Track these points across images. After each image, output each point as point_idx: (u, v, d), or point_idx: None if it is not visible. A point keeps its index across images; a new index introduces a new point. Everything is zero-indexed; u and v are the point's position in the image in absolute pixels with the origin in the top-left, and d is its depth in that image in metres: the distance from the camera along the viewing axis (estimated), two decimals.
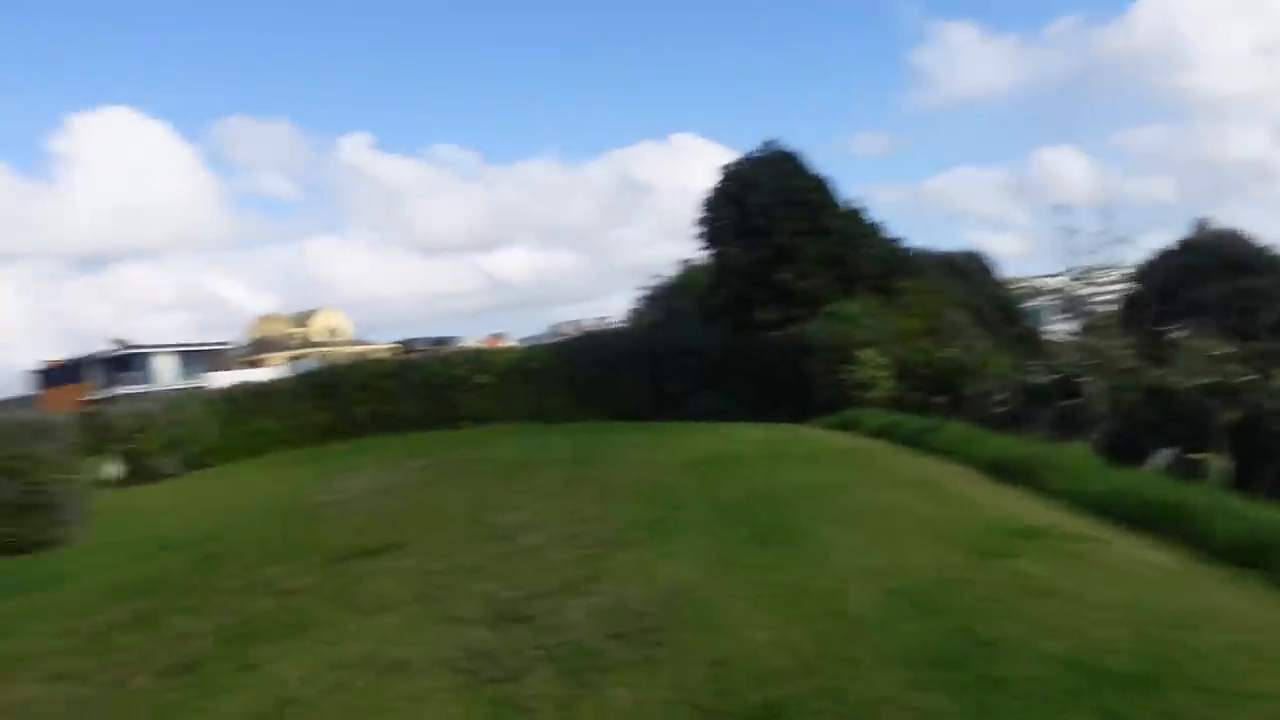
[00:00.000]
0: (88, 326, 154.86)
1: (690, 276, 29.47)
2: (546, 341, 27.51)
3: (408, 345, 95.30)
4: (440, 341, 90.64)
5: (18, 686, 6.58)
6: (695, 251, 25.18)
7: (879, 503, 9.63)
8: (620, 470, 12.94)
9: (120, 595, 9.01)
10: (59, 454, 12.54)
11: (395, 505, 12.25)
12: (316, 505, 13.25)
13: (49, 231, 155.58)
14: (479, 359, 22.64)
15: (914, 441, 14.19)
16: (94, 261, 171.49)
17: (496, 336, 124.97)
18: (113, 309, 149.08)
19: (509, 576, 7.76)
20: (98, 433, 22.16)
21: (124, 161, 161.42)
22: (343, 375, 23.91)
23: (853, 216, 22.86)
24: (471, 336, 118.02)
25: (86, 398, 71.47)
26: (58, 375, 79.91)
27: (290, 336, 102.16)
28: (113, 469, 21.06)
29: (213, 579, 9.20)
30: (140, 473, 20.61)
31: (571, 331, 60.03)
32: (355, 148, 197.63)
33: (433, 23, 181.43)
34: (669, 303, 30.56)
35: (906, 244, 24.30)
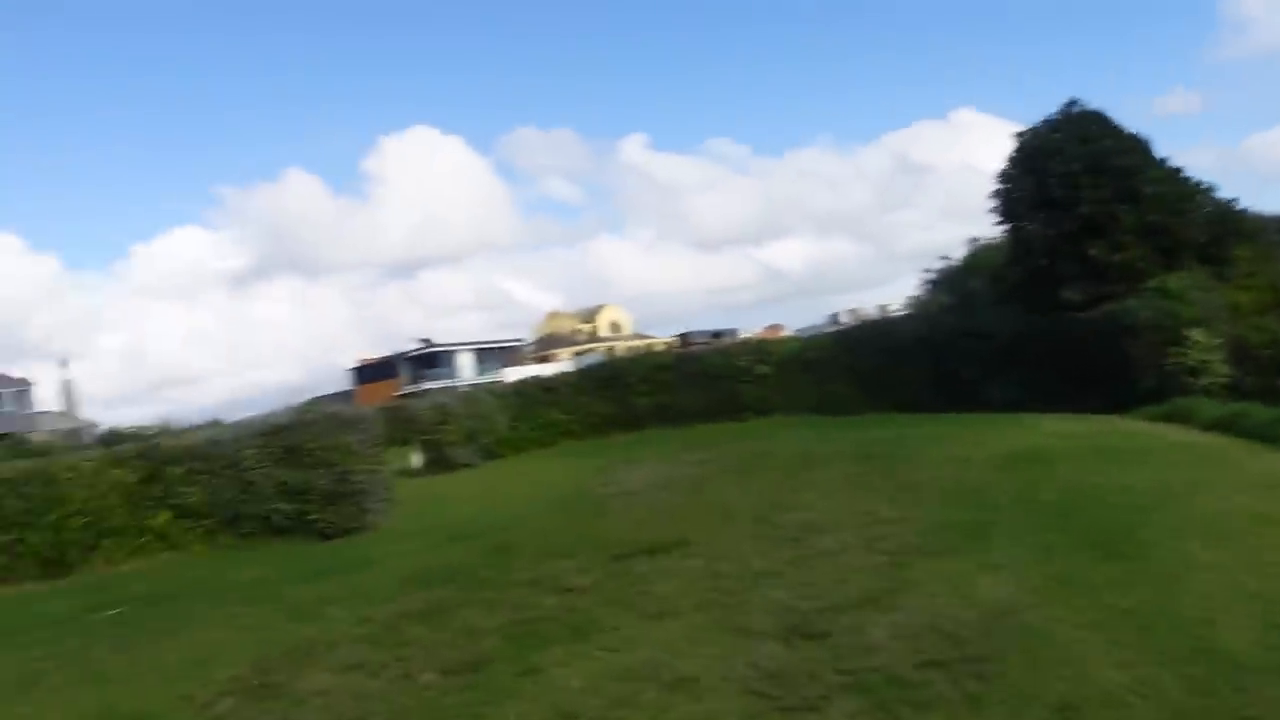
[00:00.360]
0: (399, 328, 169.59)
1: (980, 257, 27.37)
2: (826, 331, 26.45)
3: (686, 338, 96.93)
4: (718, 334, 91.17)
5: (315, 675, 6.68)
6: (986, 230, 23.30)
7: (1239, 510, 8.08)
8: (916, 467, 11.85)
9: (415, 584, 9.18)
10: (366, 445, 13.19)
11: (677, 500, 11.89)
12: (600, 498, 13.18)
13: (364, 244, 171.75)
14: (759, 349, 22.07)
15: (1268, 436, 12.10)
16: (403, 269, 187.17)
17: (774, 327, 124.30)
18: (420, 312, 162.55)
19: (802, 584, 7.08)
20: (403, 425, 23.69)
21: (427, 176, 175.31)
22: (624, 368, 24.14)
23: (1172, 178, 20.17)
24: (749, 328, 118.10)
25: (396, 393, 78.16)
26: (371, 372, 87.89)
27: (576, 332, 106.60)
28: (416, 459, 22.37)
29: (502, 572, 9.17)
30: (440, 462, 21.71)
31: (850, 320, 58.33)
32: (633, 149, 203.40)
33: (700, 20, 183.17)
34: (957, 285, 28.58)
35: (1237, 205, 21.15)
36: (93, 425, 62.12)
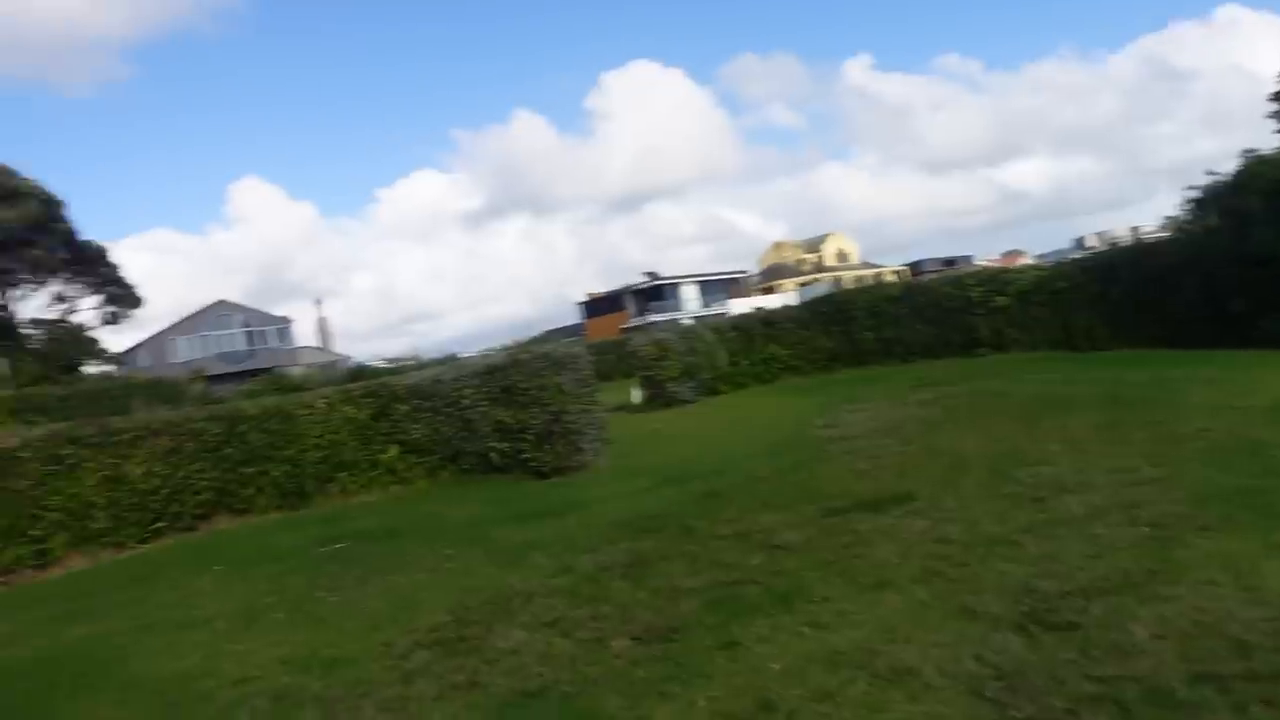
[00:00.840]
0: (625, 262, 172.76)
1: (1255, 171, 23.98)
2: (1071, 257, 24.14)
3: (916, 267, 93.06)
4: (950, 262, 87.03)
5: (510, 630, 6.46)
6: (1262, 140, 20.31)
7: None
8: (1182, 416, 10.30)
9: (620, 533, 8.87)
10: (579, 385, 13.06)
11: (901, 447, 10.97)
12: (818, 441, 12.46)
13: (589, 180, 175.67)
14: (995, 279, 20.39)
15: None
16: (628, 203, 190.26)
17: (1012, 254, 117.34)
18: (645, 244, 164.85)
19: (1044, 558, 6.14)
20: (625, 360, 23.67)
21: (649, 110, 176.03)
22: (848, 301, 23.04)
23: None
24: (984, 255, 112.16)
25: (623, 326, 79.56)
26: (599, 306, 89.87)
27: (801, 262, 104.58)
28: (636, 394, 22.36)
29: (710, 522, 8.69)
30: (658, 398, 21.59)
31: (1098, 244, 53.65)
32: (857, 71, 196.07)
33: None
34: (1226, 204, 25.26)
35: None
36: (346, 358, 67.14)
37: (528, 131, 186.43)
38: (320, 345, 68.55)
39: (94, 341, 39.68)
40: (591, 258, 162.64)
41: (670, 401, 21.38)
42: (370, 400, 15.18)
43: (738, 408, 19.21)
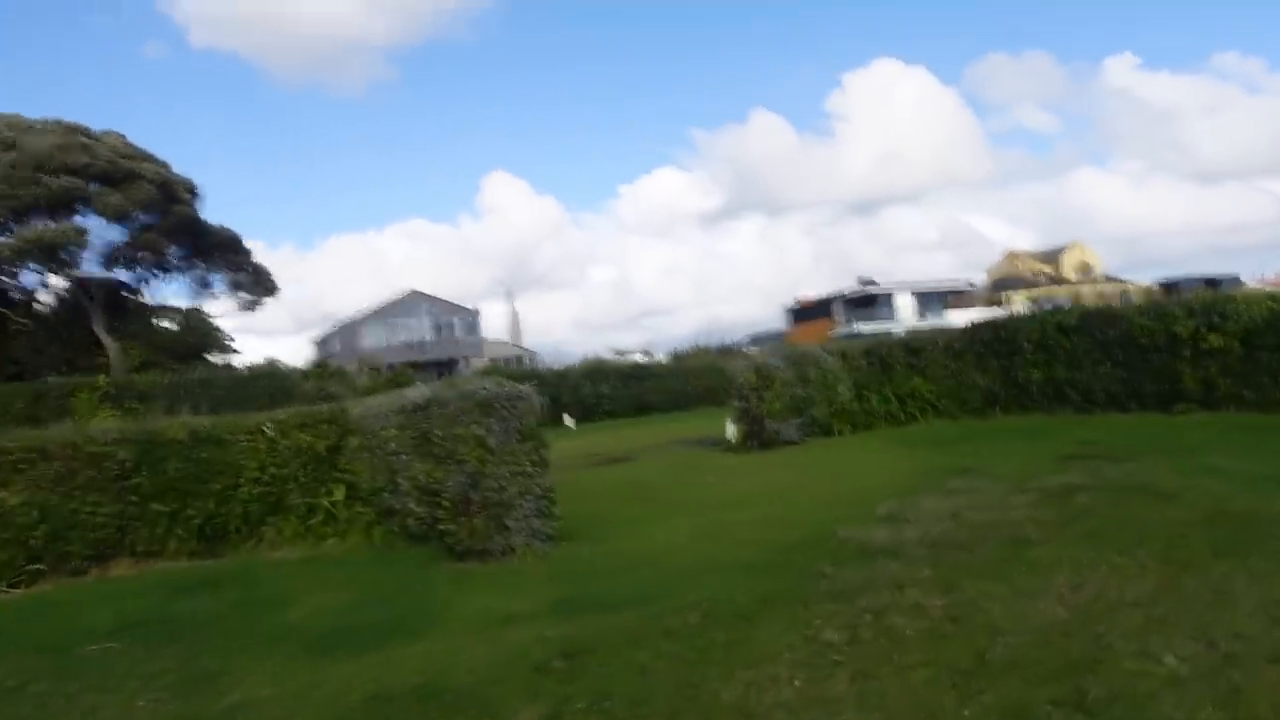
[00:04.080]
0: (859, 266, 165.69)
1: None
2: None
3: (1169, 285, 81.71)
4: (1213, 282, 75.56)
5: None
6: None
7: None
8: None
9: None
10: (512, 436, 9.21)
11: (940, 599, 6.43)
12: (840, 550, 8.07)
13: (827, 182, 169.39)
14: (1215, 308, 14.67)
15: None
16: (866, 206, 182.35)
17: None
18: (881, 249, 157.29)
19: None
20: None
21: (890, 111, 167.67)
22: (1015, 328, 17.73)
23: None
24: (1258, 275, 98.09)
25: (830, 333, 74.37)
26: (807, 313, 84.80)
27: (1037, 274, 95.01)
28: (731, 430, 18.23)
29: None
30: (755, 438, 17.40)
31: None
32: (1120, 70, 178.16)
33: None
34: None
35: None
36: (533, 353, 66.08)
37: (766, 131, 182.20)
38: (509, 340, 67.84)
39: (218, 330, 39.53)
40: (825, 261, 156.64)
41: (769, 442, 17.14)
42: (330, 428, 12.15)
43: (835, 460, 14.72)
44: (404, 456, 9.86)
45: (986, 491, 10.16)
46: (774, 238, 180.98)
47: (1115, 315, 15.99)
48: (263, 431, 11.97)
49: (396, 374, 31.50)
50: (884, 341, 20.01)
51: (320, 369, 35.10)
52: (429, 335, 62.59)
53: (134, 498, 11.21)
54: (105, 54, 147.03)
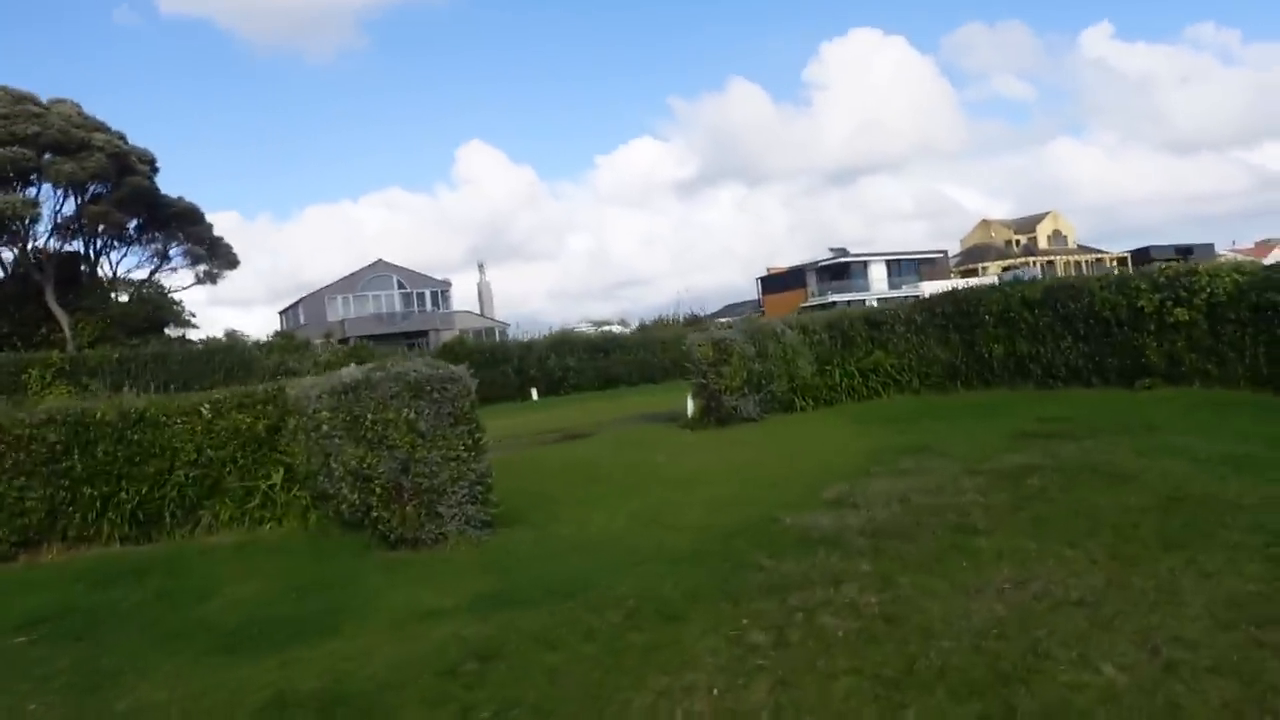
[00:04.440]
0: (836, 235, 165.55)
1: None
2: None
3: (1143, 254, 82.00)
4: (1185, 251, 76.05)
5: None
6: None
7: None
8: None
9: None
10: (445, 420, 8.84)
11: (875, 595, 6.16)
12: (777, 538, 7.78)
13: (804, 151, 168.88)
14: (1180, 283, 14.42)
15: None
16: (843, 175, 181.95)
17: (1267, 244, 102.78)
18: (859, 218, 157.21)
19: None
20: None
21: (868, 80, 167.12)
22: (974, 301, 17.47)
23: None
24: (1231, 245, 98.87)
25: (802, 304, 74.21)
26: (778, 282, 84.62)
27: (1010, 243, 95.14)
28: (690, 406, 17.93)
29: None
30: (713, 413, 17.10)
31: None
32: (1095, 40, 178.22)
33: None
34: None
35: None
36: (504, 325, 65.54)
37: (744, 101, 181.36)
38: (478, 311, 67.17)
39: (176, 303, 38.66)
40: (803, 230, 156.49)
41: (726, 419, 16.84)
42: (269, 408, 11.70)
43: (792, 438, 14.44)
44: (337, 440, 9.45)
45: (938, 473, 9.90)
46: (752, 207, 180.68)
47: (1078, 288, 15.72)
48: (199, 412, 11.55)
49: (356, 348, 30.90)
50: (845, 314, 19.65)
51: (284, 341, 34.39)
52: (398, 306, 61.84)
53: (65, 481, 10.83)
54: (74, 22, 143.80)
